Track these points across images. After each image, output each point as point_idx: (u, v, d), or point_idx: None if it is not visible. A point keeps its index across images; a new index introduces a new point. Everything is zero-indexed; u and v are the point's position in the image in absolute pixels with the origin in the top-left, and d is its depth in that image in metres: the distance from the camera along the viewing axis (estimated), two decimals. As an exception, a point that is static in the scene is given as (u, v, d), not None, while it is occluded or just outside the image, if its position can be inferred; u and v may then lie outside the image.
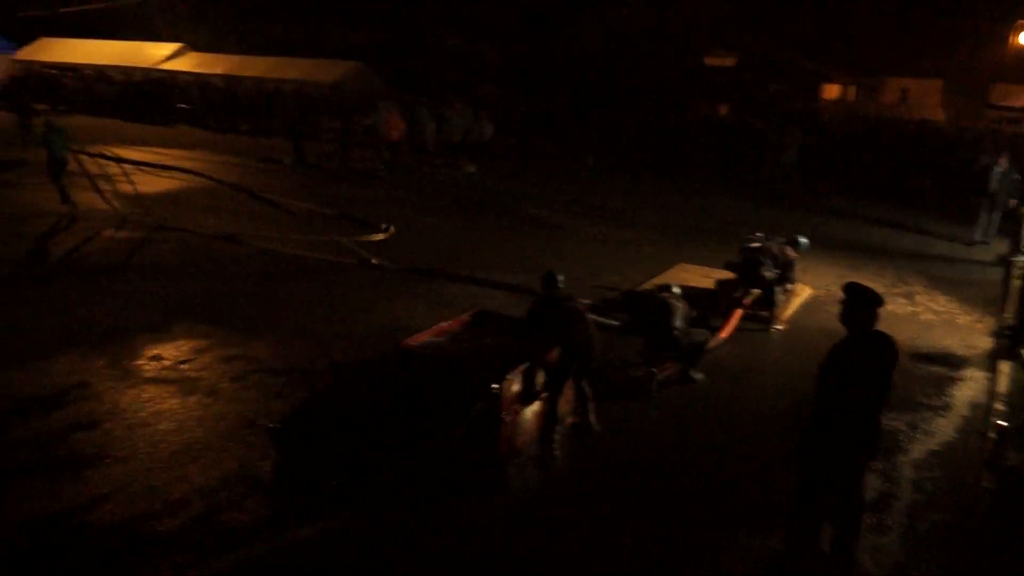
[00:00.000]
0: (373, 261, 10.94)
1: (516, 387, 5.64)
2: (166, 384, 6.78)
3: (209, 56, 32.09)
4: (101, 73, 30.96)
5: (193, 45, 33.19)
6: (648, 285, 9.77)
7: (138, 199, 13.74)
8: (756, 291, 9.06)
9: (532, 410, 5.85)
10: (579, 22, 31.88)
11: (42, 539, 4.65)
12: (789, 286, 9.59)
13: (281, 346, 7.76)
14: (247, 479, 5.36)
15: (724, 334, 8.30)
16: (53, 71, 31.45)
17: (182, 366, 7.18)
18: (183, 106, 27.55)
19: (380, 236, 12.32)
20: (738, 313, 8.79)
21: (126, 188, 14.35)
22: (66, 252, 10.89)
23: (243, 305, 8.96)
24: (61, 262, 10.42)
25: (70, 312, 8.40)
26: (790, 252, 9.42)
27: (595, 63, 31.05)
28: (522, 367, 5.72)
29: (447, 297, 9.57)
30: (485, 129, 21.14)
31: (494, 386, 5.41)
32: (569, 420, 6.29)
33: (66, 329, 7.87)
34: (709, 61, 36.68)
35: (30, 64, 33.05)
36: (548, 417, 5.94)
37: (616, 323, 8.39)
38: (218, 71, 30.05)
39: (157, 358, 7.32)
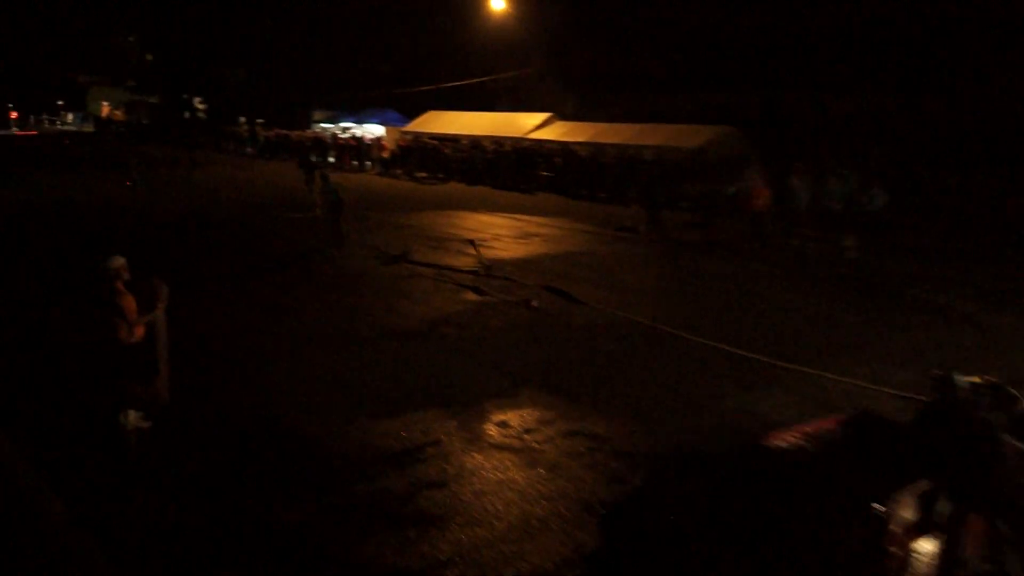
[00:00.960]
0: (533, 303, 12.14)
1: (907, 513, 4.95)
2: (510, 452, 7.19)
3: (575, 124, 34.67)
4: (476, 143, 35.21)
5: (561, 114, 36.20)
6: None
7: (498, 264, 15.14)
8: None
9: (927, 545, 5.07)
10: (999, 71, 28.62)
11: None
12: None
13: (623, 425, 7.81)
14: (582, 567, 5.38)
15: None
16: (435, 141, 36.57)
17: (526, 436, 7.57)
18: (546, 173, 30.10)
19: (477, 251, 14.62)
20: None
21: (489, 252, 15.95)
22: (426, 311, 12.28)
23: (588, 377, 9.23)
24: (419, 320, 11.74)
25: (428, 371, 9.37)
26: None
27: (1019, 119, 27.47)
28: (916, 487, 5.01)
29: (816, 391, 8.90)
30: (875, 198, 19.70)
31: (877, 507, 4.81)
32: (980, 567, 5.32)
33: (425, 387, 8.78)
34: None
35: (417, 135, 38.80)
36: (948, 558, 5.09)
37: None
38: (582, 139, 32.30)
39: (504, 424, 7.82)
